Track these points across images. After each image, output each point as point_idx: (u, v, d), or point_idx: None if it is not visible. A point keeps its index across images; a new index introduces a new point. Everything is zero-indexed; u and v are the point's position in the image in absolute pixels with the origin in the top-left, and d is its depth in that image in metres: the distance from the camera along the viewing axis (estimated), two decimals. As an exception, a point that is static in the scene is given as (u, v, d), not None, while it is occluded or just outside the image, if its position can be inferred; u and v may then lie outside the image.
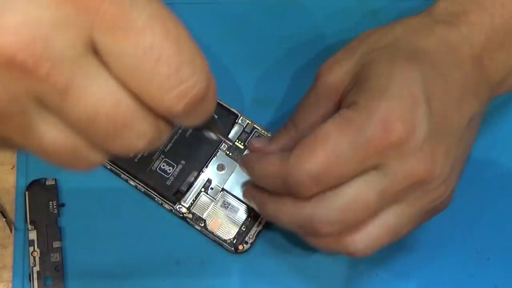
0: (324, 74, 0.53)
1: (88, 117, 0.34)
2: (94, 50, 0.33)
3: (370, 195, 0.47)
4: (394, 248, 0.58)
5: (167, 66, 0.33)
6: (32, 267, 0.56)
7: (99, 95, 0.33)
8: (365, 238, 0.49)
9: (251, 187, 0.56)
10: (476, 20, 0.51)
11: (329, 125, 0.47)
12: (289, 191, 0.49)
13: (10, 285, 0.57)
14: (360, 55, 0.51)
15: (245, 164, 0.55)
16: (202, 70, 0.35)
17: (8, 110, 0.33)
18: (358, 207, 0.48)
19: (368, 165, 0.47)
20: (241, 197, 0.58)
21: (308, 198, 0.49)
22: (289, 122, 0.55)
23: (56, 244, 0.57)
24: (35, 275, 0.56)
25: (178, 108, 0.35)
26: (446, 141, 0.48)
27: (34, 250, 0.57)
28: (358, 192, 0.48)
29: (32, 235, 0.57)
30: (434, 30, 0.51)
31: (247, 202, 0.57)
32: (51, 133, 0.35)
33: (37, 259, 0.56)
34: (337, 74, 0.52)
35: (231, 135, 0.60)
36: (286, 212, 0.50)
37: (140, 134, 0.35)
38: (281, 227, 0.53)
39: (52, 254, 0.57)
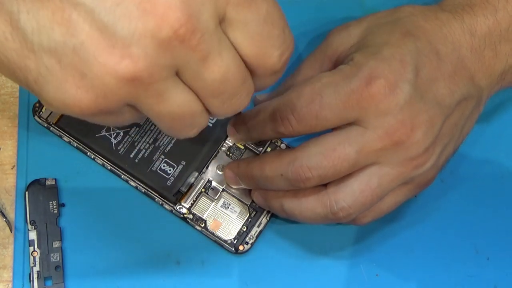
0: (331, 36, 0.58)
1: (220, 79, 0.40)
2: (219, 23, 0.39)
3: (349, 146, 0.50)
4: (394, 248, 0.58)
5: (278, 28, 0.41)
6: (32, 267, 0.56)
7: (227, 60, 0.40)
8: (348, 195, 0.52)
9: (232, 162, 0.59)
10: (480, 12, 0.54)
11: (323, 73, 0.52)
12: (275, 126, 0.52)
13: (10, 285, 0.57)
14: (367, 26, 0.56)
15: (234, 123, 0.57)
16: (291, 33, 0.43)
17: (154, 78, 0.38)
18: (336, 155, 0.50)
19: (350, 116, 0.50)
20: (241, 197, 0.58)
21: (291, 134, 0.52)
22: (289, 77, 0.59)
23: (56, 244, 0.57)
24: (35, 275, 0.56)
25: (279, 64, 0.42)
26: (430, 111, 0.51)
27: (34, 250, 0.57)
28: (338, 141, 0.51)
29: (32, 235, 0.57)
30: (438, 16, 0.54)
31: (230, 182, 0.58)
32: (179, 99, 0.40)
33: (37, 259, 0.56)
34: (341, 35, 0.57)
35: (230, 136, 0.60)
36: (270, 162, 0.53)
37: (248, 92, 0.42)
38: (265, 184, 0.54)
39: (52, 254, 0.57)
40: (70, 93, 0.39)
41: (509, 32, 0.54)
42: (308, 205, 0.53)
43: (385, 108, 0.50)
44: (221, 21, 0.40)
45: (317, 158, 0.51)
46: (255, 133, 0.55)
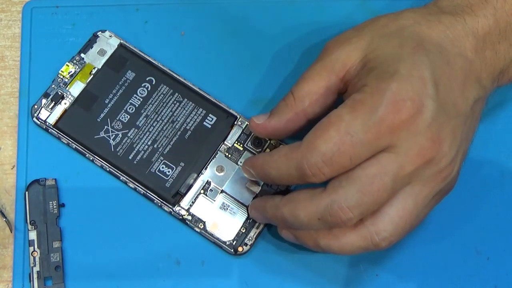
0: (332, 48, 0.54)
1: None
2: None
3: (386, 176, 0.49)
4: (394, 248, 0.58)
5: None
6: (32, 267, 0.56)
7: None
8: (387, 224, 0.51)
9: (257, 200, 0.57)
10: (480, 12, 0.53)
11: (341, 109, 0.50)
12: (303, 178, 0.50)
13: (10, 285, 0.57)
14: (371, 38, 0.53)
15: (252, 164, 0.55)
16: None
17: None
18: (375, 189, 0.49)
19: (381, 145, 0.49)
20: (240, 198, 0.58)
21: (322, 182, 0.50)
22: (289, 95, 0.55)
23: (56, 244, 0.57)
24: (35, 275, 0.56)
25: None
26: (452, 122, 0.50)
27: (34, 250, 0.57)
28: (373, 173, 0.49)
29: (32, 235, 0.57)
30: (441, 20, 0.53)
31: (257, 220, 0.57)
32: None
33: (37, 259, 0.57)
34: (346, 49, 0.53)
35: (229, 137, 0.59)
36: (304, 207, 0.51)
37: None
38: (299, 227, 0.53)
39: (52, 254, 0.57)
40: None
41: (506, 31, 0.54)
42: (347, 241, 0.51)
43: (415, 130, 0.49)
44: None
45: (357, 196, 0.49)
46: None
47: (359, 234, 0.51)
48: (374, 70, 0.51)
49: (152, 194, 0.58)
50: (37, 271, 0.56)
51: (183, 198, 0.58)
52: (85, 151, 0.58)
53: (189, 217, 0.58)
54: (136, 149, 0.58)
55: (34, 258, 0.57)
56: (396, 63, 0.50)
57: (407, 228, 0.51)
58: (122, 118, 0.59)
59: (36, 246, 0.57)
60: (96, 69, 0.60)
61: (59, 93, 0.60)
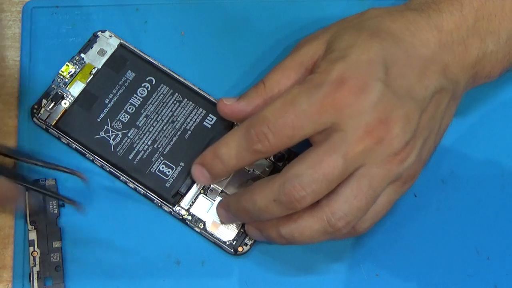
0: (302, 44, 0.57)
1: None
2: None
3: (334, 153, 0.51)
4: (394, 248, 0.58)
5: None
6: (32, 267, 0.56)
7: None
8: (342, 203, 0.52)
9: (222, 200, 0.58)
10: (445, 8, 0.55)
11: (294, 86, 0.53)
12: (250, 146, 0.52)
13: (10, 285, 0.57)
14: (335, 31, 0.55)
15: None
16: None
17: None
18: (325, 165, 0.50)
19: (325, 121, 0.51)
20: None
21: (269, 151, 0.52)
22: (260, 83, 0.56)
23: (56, 244, 0.57)
24: (35, 275, 0.56)
25: None
26: (405, 106, 0.52)
27: (34, 250, 0.57)
28: (323, 151, 0.51)
29: (32, 235, 0.57)
30: (404, 15, 0.55)
31: (224, 220, 0.58)
32: None
33: (37, 259, 0.56)
34: (313, 44, 0.56)
35: (229, 137, 0.59)
36: (260, 191, 0.53)
37: None
38: (259, 215, 0.53)
39: (52, 254, 0.57)
40: None
41: (476, 27, 0.55)
42: (306, 224, 0.52)
43: (359, 108, 0.50)
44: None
45: (307, 173, 0.50)
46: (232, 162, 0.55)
47: (315, 216, 0.52)
48: (328, 55, 0.53)
49: (152, 194, 0.58)
50: (37, 271, 0.56)
51: (183, 198, 0.58)
52: (85, 151, 0.58)
53: (189, 217, 0.58)
54: (136, 149, 0.58)
55: (34, 258, 0.56)
56: (349, 48, 0.52)
57: (362, 208, 0.52)
58: (122, 118, 0.59)
59: (36, 246, 0.57)
60: (96, 69, 0.60)
61: (59, 93, 0.60)
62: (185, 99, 0.60)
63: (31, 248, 0.57)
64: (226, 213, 0.57)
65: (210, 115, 0.59)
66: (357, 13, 0.57)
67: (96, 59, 0.61)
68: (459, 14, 0.55)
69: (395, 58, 0.52)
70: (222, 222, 0.58)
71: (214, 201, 0.58)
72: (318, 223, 0.52)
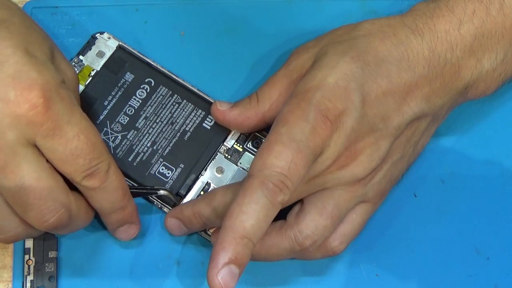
0: (293, 56, 0.56)
1: (15, 187, 0.48)
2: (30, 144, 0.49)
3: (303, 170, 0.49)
4: (394, 248, 0.58)
5: (83, 158, 0.50)
6: (26, 275, 0.56)
7: (26, 172, 0.49)
8: (309, 222, 0.52)
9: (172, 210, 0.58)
10: (441, 27, 0.53)
11: (274, 126, 0.50)
12: (273, 197, 0.48)
13: (10, 285, 0.57)
14: (324, 45, 0.54)
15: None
16: (104, 161, 0.51)
17: None
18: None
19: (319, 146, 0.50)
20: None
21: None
22: (254, 95, 0.57)
23: (51, 254, 0.57)
24: (28, 284, 0.56)
25: (86, 183, 0.51)
26: (376, 133, 0.51)
27: (29, 259, 0.56)
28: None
29: (29, 243, 0.57)
30: (397, 33, 0.53)
31: (173, 231, 0.57)
32: None
33: (31, 268, 0.56)
34: (303, 57, 0.55)
35: (229, 138, 0.59)
36: (220, 196, 0.54)
37: (51, 210, 0.49)
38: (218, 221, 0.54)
39: (47, 264, 0.56)
40: None
41: (473, 46, 0.53)
42: (273, 242, 0.53)
43: (334, 139, 0.50)
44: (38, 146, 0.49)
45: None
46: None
47: (283, 234, 0.53)
48: (309, 74, 0.52)
49: (152, 196, 0.58)
50: (31, 280, 0.56)
51: (183, 199, 0.58)
52: (85, 152, 0.58)
53: (189, 219, 0.58)
54: (135, 151, 0.58)
55: (29, 266, 0.56)
56: (330, 70, 0.51)
57: (328, 226, 0.52)
58: (121, 120, 0.59)
59: (31, 255, 0.57)
60: (94, 71, 0.60)
61: (59, 95, 0.60)
62: (184, 101, 0.60)
63: (27, 257, 0.57)
64: (176, 223, 0.57)
65: (209, 116, 0.59)
66: (349, 24, 0.55)
67: (94, 61, 0.61)
68: (456, 33, 0.52)
69: (375, 86, 0.51)
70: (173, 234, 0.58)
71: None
72: (286, 241, 0.52)
